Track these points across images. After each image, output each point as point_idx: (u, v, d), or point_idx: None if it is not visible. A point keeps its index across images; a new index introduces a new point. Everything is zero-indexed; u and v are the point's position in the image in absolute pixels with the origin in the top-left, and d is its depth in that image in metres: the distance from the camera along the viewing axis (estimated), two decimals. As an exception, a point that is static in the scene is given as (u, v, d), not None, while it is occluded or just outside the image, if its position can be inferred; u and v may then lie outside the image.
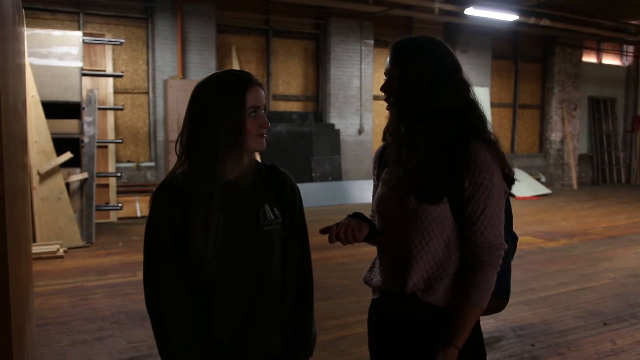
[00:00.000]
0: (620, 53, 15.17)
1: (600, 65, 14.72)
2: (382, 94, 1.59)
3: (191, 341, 1.45)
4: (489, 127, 1.54)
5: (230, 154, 1.44)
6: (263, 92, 1.46)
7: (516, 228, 1.70)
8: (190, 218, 1.42)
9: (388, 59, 1.57)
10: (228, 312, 1.46)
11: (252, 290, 1.47)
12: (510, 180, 1.52)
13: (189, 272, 1.45)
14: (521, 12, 10.62)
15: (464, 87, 1.53)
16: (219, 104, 1.40)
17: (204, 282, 1.45)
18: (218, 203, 1.42)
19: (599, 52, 14.70)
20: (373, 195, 1.74)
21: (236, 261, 1.45)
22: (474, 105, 1.53)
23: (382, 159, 1.70)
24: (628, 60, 15.26)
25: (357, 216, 1.60)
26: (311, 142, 10.15)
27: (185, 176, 1.45)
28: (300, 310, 1.55)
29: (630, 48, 15.09)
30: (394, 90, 1.53)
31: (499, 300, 1.59)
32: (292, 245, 1.55)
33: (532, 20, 11.06)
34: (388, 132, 1.62)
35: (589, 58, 14.46)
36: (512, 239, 1.65)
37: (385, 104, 1.59)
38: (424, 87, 1.47)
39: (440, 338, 1.50)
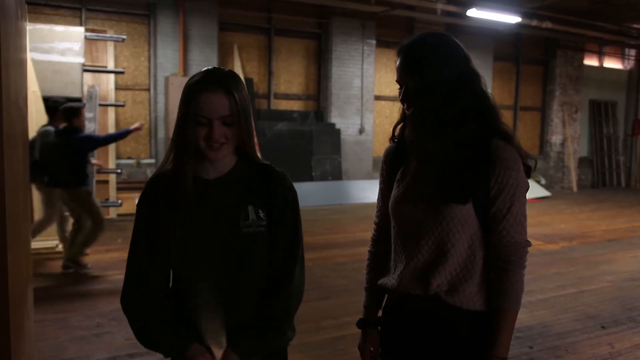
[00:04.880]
0: (622, 56, 15.16)
1: (601, 68, 14.71)
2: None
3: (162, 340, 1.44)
4: (502, 118, 1.50)
5: (203, 155, 1.42)
6: (226, 100, 1.36)
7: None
8: (163, 213, 1.43)
9: (399, 66, 1.49)
10: (203, 310, 1.43)
11: (229, 290, 1.43)
12: (528, 173, 1.50)
13: (169, 266, 1.47)
14: (523, 15, 10.62)
15: (476, 80, 1.48)
16: (179, 106, 1.44)
17: (181, 279, 1.46)
18: (179, 201, 1.41)
19: (600, 55, 14.69)
20: (381, 197, 1.68)
21: (213, 259, 1.42)
22: (486, 97, 1.49)
23: (393, 161, 1.62)
24: (630, 64, 15.26)
25: (364, 325, 1.67)
26: (312, 141, 10.16)
27: (168, 172, 1.46)
28: (270, 312, 1.45)
29: (632, 51, 15.09)
30: (413, 100, 1.47)
31: None
32: (278, 248, 1.46)
33: (534, 23, 11.05)
34: (409, 141, 1.55)
35: (591, 61, 14.45)
36: None
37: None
38: (444, 92, 1.42)
39: (463, 341, 1.47)
